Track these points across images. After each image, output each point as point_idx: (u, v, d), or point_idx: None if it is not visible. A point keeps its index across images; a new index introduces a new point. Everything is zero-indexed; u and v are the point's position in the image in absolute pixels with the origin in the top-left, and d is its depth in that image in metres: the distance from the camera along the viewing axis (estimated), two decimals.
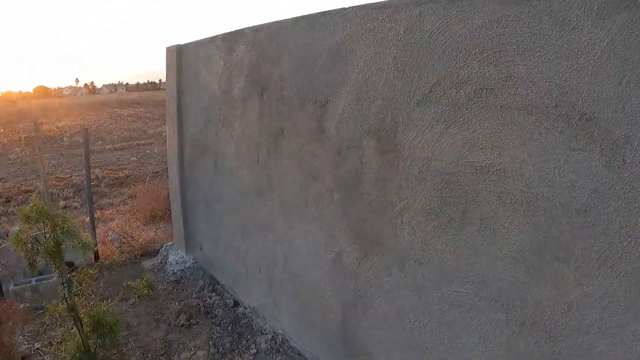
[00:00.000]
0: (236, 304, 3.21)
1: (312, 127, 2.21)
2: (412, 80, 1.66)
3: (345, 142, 2.02)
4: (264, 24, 2.52)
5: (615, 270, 1.23)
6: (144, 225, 4.59)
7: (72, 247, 2.22)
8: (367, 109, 1.87)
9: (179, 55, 3.49)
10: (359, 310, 2.12)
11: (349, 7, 1.92)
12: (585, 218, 1.28)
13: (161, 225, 4.63)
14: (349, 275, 2.13)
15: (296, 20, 2.24)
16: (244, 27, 2.78)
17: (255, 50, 2.60)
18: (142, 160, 9.88)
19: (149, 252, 4.02)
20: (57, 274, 2.31)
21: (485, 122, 1.45)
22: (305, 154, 2.29)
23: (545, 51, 1.28)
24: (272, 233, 2.68)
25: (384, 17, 1.73)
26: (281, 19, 2.41)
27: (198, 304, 3.18)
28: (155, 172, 7.53)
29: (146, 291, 2.50)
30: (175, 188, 3.85)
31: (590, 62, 1.19)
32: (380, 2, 1.75)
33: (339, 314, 2.25)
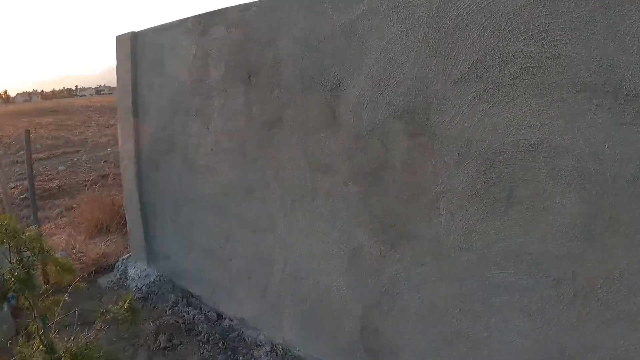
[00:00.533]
0: (219, 316, 3.11)
1: (321, 113, 2.20)
2: (447, 59, 1.72)
3: (365, 128, 2.05)
4: (252, 2, 2.46)
5: None
6: (91, 238, 4.28)
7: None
8: (392, 90, 1.91)
9: (133, 44, 3.31)
10: (384, 309, 2.15)
11: None
12: (634, 188, 1.42)
13: (111, 236, 4.35)
14: (371, 272, 2.16)
15: None
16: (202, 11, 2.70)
17: (240, 31, 2.54)
18: (71, 169, 9.46)
19: (103, 268, 3.77)
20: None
21: (532, 100, 1.56)
22: (311, 144, 2.28)
23: (593, 32, 1.41)
24: (268, 234, 2.63)
25: None
26: None
27: (176, 322, 3.04)
28: (88, 180, 7.05)
29: (130, 316, 2.32)
30: (132, 193, 3.64)
31: (636, 43, 1.34)
32: None
33: (357, 316, 2.27)
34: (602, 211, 1.48)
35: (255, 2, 2.46)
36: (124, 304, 2.36)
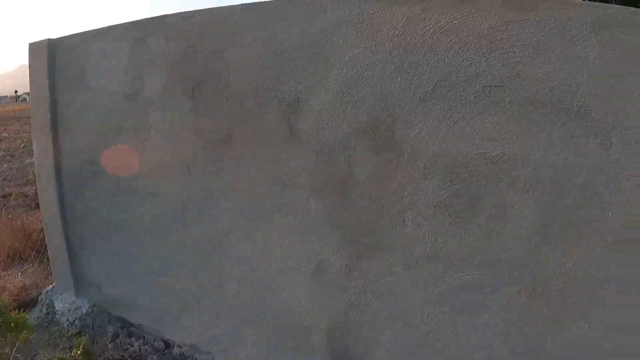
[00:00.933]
0: (167, 344, 3.06)
1: (278, 128, 2.27)
2: (412, 76, 1.88)
3: (327, 144, 2.15)
4: (196, 10, 2.45)
5: (606, 231, 1.66)
6: (4, 270, 3.94)
7: None
8: (356, 106, 2.03)
9: (51, 53, 3.12)
10: (352, 321, 2.26)
11: None
12: (584, 193, 1.68)
13: (27, 266, 4.04)
14: (336, 286, 2.27)
15: (248, 7, 2.25)
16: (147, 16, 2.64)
17: (182, 41, 2.52)
18: None
19: (24, 303, 3.50)
20: None
21: (494, 116, 1.77)
22: (268, 160, 2.34)
23: (549, 55, 1.66)
24: (219, 255, 2.64)
25: (376, 11, 1.90)
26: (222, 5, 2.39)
27: (122, 355, 2.94)
28: None
29: None
30: (53, 217, 3.43)
31: (585, 65, 1.60)
32: None
33: (323, 330, 2.36)
34: (556, 215, 1.73)
35: (200, 10, 2.46)
36: (78, 349, 2.26)
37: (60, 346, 3.02)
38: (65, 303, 3.45)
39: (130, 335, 3.17)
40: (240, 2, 2.37)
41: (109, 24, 2.60)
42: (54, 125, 3.27)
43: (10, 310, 3.20)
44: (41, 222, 3.84)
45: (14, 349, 2.04)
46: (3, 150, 13.23)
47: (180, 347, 3.02)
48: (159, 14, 2.66)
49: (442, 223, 1.94)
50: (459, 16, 1.77)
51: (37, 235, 4.43)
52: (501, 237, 1.83)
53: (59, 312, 3.41)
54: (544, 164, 1.71)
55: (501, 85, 1.73)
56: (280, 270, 2.46)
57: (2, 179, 8.93)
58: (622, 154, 1.60)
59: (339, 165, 2.14)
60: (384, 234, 2.09)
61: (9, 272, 3.98)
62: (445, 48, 1.80)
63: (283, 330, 2.55)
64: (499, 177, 1.79)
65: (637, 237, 1.62)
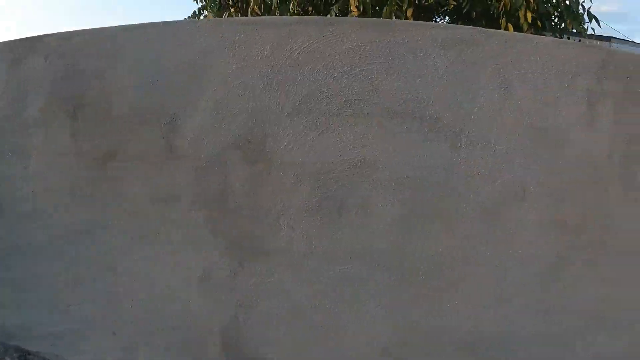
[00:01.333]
0: None
1: (159, 147, 2.25)
2: (280, 93, 1.99)
3: (205, 159, 2.15)
4: (74, 31, 2.43)
5: (462, 220, 1.93)
6: None
7: None
8: (230, 123, 2.09)
9: None
10: (242, 321, 2.35)
11: (203, 21, 2.16)
12: (439, 189, 1.91)
13: None
14: (224, 290, 2.31)
15: (128, 29, 2.31)
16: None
17: (63, 61, 2.45)
18: None
19: None
20: None
21: (355, 127, 1.90)
22: (151, 177, 2.30)
23: (403, 70, 1.84)
24: (113, 273, 2.60)
25: (247, 34, 2.01)
26: (101, 26, 2.41)
27: None
28: None
29: None
30: None
31: (435, 79, 1.80)
32: (243, 19, 2.07)
33: (217, 333, 2.41)
34: (416, 209, 1.92)
35: (78, 31, 2.39)
36: None
37: None
38: None
39: None
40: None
41: None
42: None
43: None
44: None
45: None
46: None
47: None
48: (31, 34, 2.62)
49: (315, 224, 2.02)
50: (322, 38, 1.87)
51: None
52: (368, 233, 1.97)
53: None
54: (401, 166, 1.88)
55: (361, 99, 1.87)
56: (170, 282, 2.38)
57: None
58: (470, 153, 1.85)
59: (217, 178, 2.14)
60: (264, 239, 2.12)
61: None
62: (310, 67, 1.89)
63: (178, 338, 2.48)
64: (362, 180, 1.92)
65: (487, 222, 1.90)
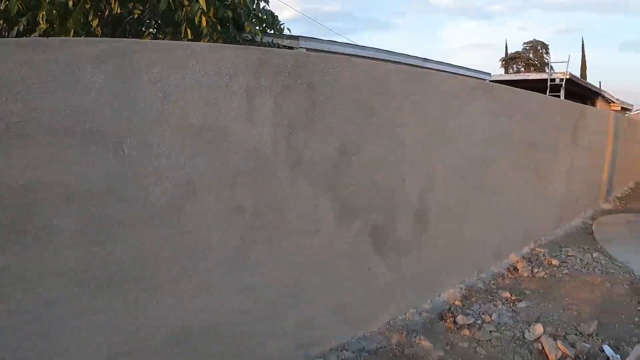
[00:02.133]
0: None
1: None
2: None
3: None
4: None
5: (139, 223, 2.02)
6: None
7: None
8: None
9: None
10: None
11: None
12: (104, 199, 1.96)
13: None
14: None
15: None
16: None
17: None
18: None
19: None
20: None
21: (24, 149, 1.84)
22: None
23: (61, 87, 1.85)
24: None
25: None
26: None
27: None
28: None
29: None
30: None
31: (93, 92, 1.88)
32: None
33: None
34: (95, 220, 1.96)
35: None
36: None
37: None
38: None
39: None
40: None
41: None
42: None
43: None
44: None
45: None
46: None
47: None
48: None
49: None
50: None
51: None
52: (48, 247, 1.91)
53: None
54: (72, 181, 1.90)
55: (21, 120, 1.81)
56: None
57: None
58: (135, 158, 1.95)
59: None
60: None
61: None
62: None
63: None
64: (39, 201, 1.87)
65: (166, 220, 2.06)
